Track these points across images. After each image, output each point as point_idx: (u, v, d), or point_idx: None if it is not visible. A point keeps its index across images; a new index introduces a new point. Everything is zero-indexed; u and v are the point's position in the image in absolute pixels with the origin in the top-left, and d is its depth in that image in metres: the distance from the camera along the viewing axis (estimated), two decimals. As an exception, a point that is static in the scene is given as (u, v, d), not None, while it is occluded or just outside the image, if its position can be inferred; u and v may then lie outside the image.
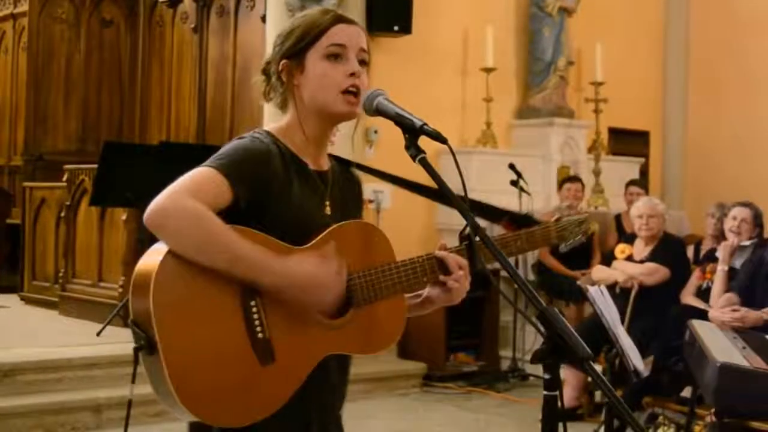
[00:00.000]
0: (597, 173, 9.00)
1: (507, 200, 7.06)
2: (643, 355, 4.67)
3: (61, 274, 7.98)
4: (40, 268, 8.53)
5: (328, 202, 2.15)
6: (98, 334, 6.51)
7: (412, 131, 2.01)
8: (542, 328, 1.82)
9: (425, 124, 1.99)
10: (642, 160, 9.91)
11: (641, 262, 6.29)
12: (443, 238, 2.29)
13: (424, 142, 2.01)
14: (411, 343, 7.21)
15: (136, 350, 1.95)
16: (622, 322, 4.93)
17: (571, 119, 9.05)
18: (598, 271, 6.53)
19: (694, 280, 6.19)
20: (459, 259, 2.14)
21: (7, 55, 10.62)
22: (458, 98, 8.65)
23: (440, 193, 1.98)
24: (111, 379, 5.89)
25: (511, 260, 1.98)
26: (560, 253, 7.53)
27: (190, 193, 1.93)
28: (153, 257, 1.94)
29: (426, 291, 2.21)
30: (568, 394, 6.13)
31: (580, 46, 9.30)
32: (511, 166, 7.46)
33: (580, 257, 7.43)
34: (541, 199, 7.96)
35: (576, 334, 1.81)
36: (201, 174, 1.99)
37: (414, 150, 2.00)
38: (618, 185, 8.47)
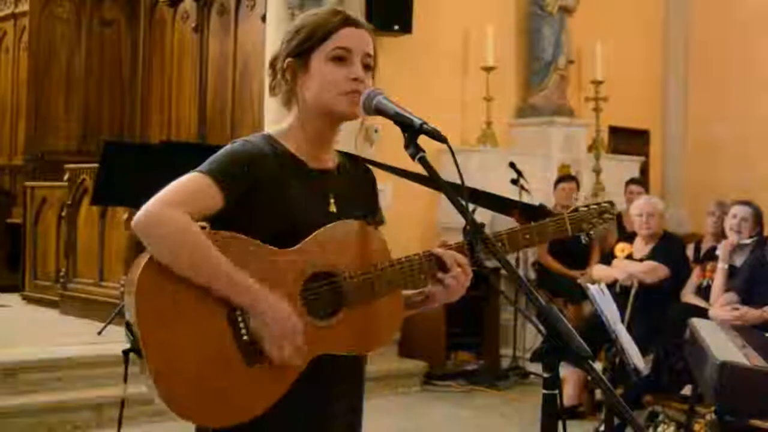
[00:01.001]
0: (597, 172, 9.00)
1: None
2: (643, 353, 4.67)
3: (62, 274, 7.99)
4: (41, 267, 8.53)
5: (332, 200, 2.14)
6: (99, 333, 6.52)
7: (411, 130, 2.01)
8: (542, 327, 1.82)
9: (425, 122, 2.00)
10: (642, 158, 9.91)
11: (641, 260, 6.30)
12: (444, 237, 2.28)
13: (423, 141, 2.01)
14: (411, 342, 7.21)
15: (126, 352, 1.97)
16: (622, 320, 4.93)
17: (571, 118, 9.05)
18: (598, 269, 6.53)
19: (695, 278, 6.19)
20: (457, 256, 2.13)
21: (8, 54, 10.62)
22: (458, 97, 8.65)
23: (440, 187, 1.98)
24: (112, 378, 5.88)
25: (511, 259, 1.99)
26: (559, 252, 7.54)
27: (178, 202, 1.95)
28: (141, 261, 1.96)
29: (428, 288, 2.19)
30: (568, 393, 6.13)
31: (580, 44, 9.30)
32: (512, 165, 7.46)
33: (580, 256, 7.43)
34: (542, 198, 7.95)
35: (576, 332, 1.81)
36: (190, 180, 2.00)
37: (413, 149, 2.00)
38: (618, 184, 8.47)
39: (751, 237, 5.88)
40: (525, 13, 9.13)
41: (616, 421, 4.66)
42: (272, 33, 7.44)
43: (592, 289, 4.42)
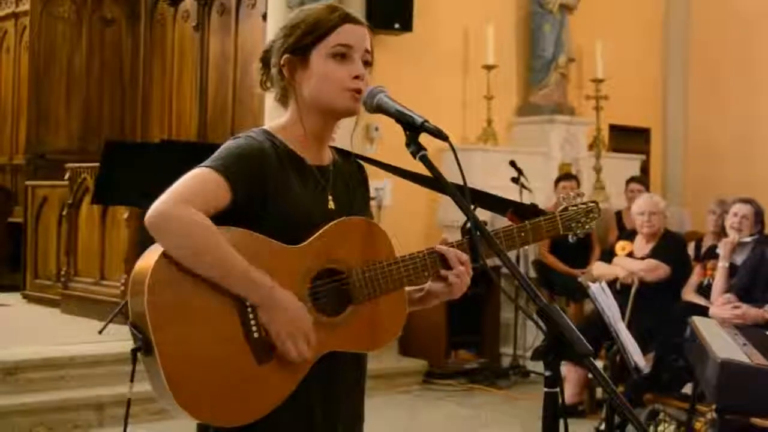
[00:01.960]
0: (598, 170, 9.00)
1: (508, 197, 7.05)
2: (644, 351, 4.67)
3: (63, 273, 7.99)
4: (42, 266, 8.54)
5: (331, 197, 2.14)
6: (100, 332, 6.52)
7: (412, 128, 2.01)
8: (543, 325, 1.82)
9: (426, 121, 2.00)
10: (643, 157, 9.91)
11: (642, 259, 6.29)
12: (445, 235, 2.28)
13: (425, 139, 2.01)
14: (412, 341, 7.22)
15: (134, 351, 1.96)
16: (623, 318, 4.93)
17: (571, 116, 9.05)
18: (599, 267, 6.53)
19: (695, 276, 6.19)
20: (459, 253, 2.14)
21: (9, 53, 10.63)
22: (459, 96, 8.65)
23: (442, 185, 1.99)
24: (113, 377, 5.89)
25: (512, 257, 1.99)
26: (560, 251, 7.54)
27: (189, 198, 1.94)
28: (149, 258, 1.95)
29: (427, 285, 2.20)
30: (569, 391, 6.14)
31: (581, 43, 9.29)
32: (512, 164, 7.46)
33: (580, 255, 7.44)
34: (542, 197, 7.95)
35: (577, 330, 1.82)
36: (199, 176, 1.99)
37: (415, 147, 2.00)
38: (619, 182, 8.47)
39: (751, 235, 5.88)
40: (526, 12, 9.13)
41: (617, 419, 4.66)
42: (273, 31, 7.43)
43: (593, 287, 4.42)
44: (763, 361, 4.06)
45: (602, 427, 5.32)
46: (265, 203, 2.03)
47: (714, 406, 4.33)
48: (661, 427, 5.11)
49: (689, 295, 6.11)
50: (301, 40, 2.10)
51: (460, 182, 2.00)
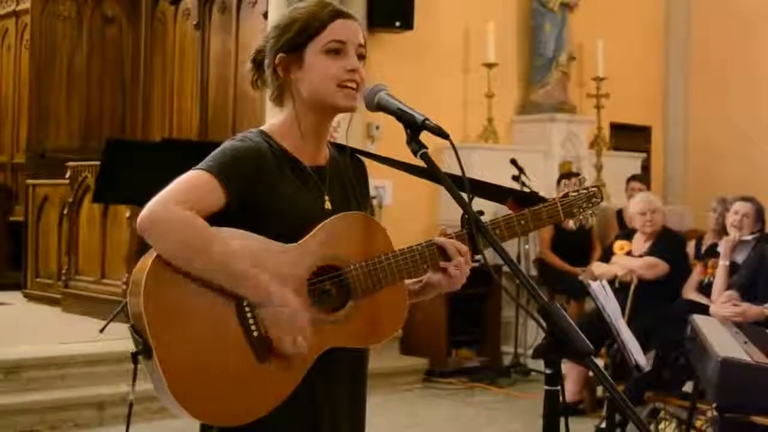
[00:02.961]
0: (598, 168, 9.00)
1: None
2: (644, 349, 4.67)
3: (64, 271, 8.00)
4: (43, 265, 8.54)
5: (327, 197, 2.14)
6: (101, 330, 6.52)
7: (413, 126, 2.01)
8: (544, 323, 1.82)
9: (427, 119, 2.00)
10: (644, 155, 9.91)
11: (640, 257, 6.29)
12: (444, 227, 2.27)
13: (425, 137, 2.01)
14: (413, 339, 7.22)
15: (134, 355, 1.96)
16: (622, 316, 4.93)
17: (572, 115, 9.05)
18: (597, 266, 6.53)
19: (696, 275, 6.19)
20: (459, 245, 2.14)
21: (10, 52, 10.62)
22: (460, 94, 8.65)
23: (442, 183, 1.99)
24: (114, 376, 5.90)
25: (513, 255, 1.99)
26: (561, 249, 7.54)
27: (180, 199, 1.95)
28: (147, 260, 1.95)
29: (426, 276, 2.19)
30: (570, 389, 6.14)
31: (582, 41, 9.29)
32: (513, 162, 7.46)
33: (581, 253, 7.44)
34: (543, 195, 7.96)
35: (577, 329, 1.82)
36: (192, 178, 2.00)
37: (415, 145, 2.01)
38: (620, 180, 8.47)
39: (752, 233, 5.87)
40: (526, 10, 9.13)
41: (618, 417, 4.66)
42: (273, 30, 7.44)
43: (594, 285, 4.42)
44: (763, 360, 4.06)
45: (603, 425, 5.32)
46: (261, 204, 2.03)
47: (714, 405, 4.33)
48: (661, 426, 5.11)
49: (690, 293, 6.10)
50: (295, 39, 2.10)
51: (461, 180, 1.99)
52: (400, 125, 2.04)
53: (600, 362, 5.45)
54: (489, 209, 2.24)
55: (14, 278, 9.13)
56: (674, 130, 10.44)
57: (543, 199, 2.30)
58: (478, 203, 1.99)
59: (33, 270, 8.65)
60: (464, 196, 1.98)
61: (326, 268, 2.06)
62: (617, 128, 9.85)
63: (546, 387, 1.86)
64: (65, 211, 8.05)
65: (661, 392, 5.46)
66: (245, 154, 2.04)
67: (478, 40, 8.60)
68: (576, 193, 2.32)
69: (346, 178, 2.22)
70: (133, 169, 6.34)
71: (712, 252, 6.10)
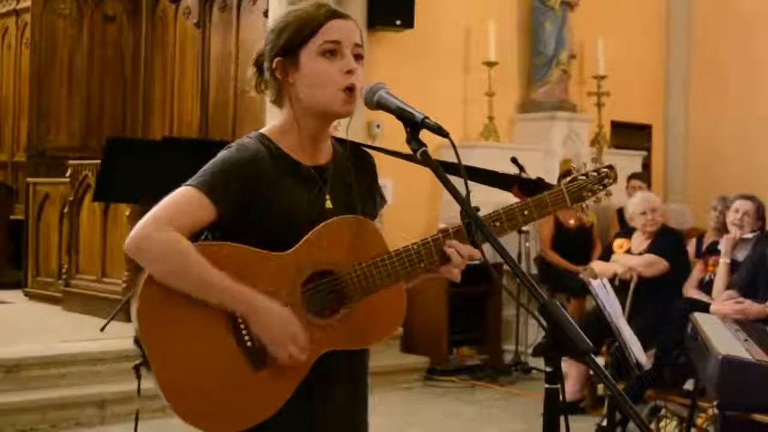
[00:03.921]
0: (599, 167, 8.99)
1: (508, 194, 7.05)
2: (644, 348, 4.67)
3: (64, 270, 7.99)
4: (44, 263, 8.54)
5: (328, 197, 2.13)
6: (102, 329, 6.52)
7: (413, 125, 2.00)
8: (544, 322, 1.82)
9: (426, 117, 1.99)
10: (644, 153, 9.91)
11: (640, 255, 6.29)
12: (443, 224, 2.23)
13: (426, 136, 2.01)
14: (414, 338, 7.22)
15: (137, 367, 2.00)
16: (623, 314, 4.93)
17: (573, 113, 9.05)
18: (597, 264, 6.52)
19: (697, 273, 6.18)
20: (453, 242, 2.09)
21: (10, 50, 10.64)
22: (460, 92, 8.65)
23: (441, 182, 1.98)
24: (115, 375, 5.90)
25: (514, 254, 1.99)
26: (562, 247, 7.54)
27: (167, 219, 1.97)
28: (141, 280, 1.99)
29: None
30: (570, 388, 6.13)
31: (583, 39, 9.29)
32: (514, 160, 7.45)
33: (582, 251, 7.43)
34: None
35: (578, 327, 1.81)
36: (181, 196, 2.01)
37: (415, 144, 2.00)
38: (620, 179, 8.41)
39: (753, 232, 5.87)
40: (527, 8, 9.13)
41: (619, 415, 4.66)
42: (274, 29, 7.44)
43: (594, 283, 4.42)
44: (764, 357, 4.06)
45: (604, 423, 5.32)
46: (261, 207, 2.03)
47: (715, 402, 4.33)
48: (662, 423, 5.11)
49: (691, 291, 6.10)
50: (290, 42, 2.09)
51: (461, 180, 1.99)
52: (401, 124, 2.04)
53: (600, 360, 5.45)
54: (491, 204, 2.22)
55: (15, 277, 9.14)
56: (675, 129, 10.45)
57: (549, 186, 2.22)
58: (477, 199, 1.97)
59: (33, 269, 8.65)
60: (463, 192, 1.95)
61: (320, 274, 2.05)
62: (618, 126, 9.86)
63: (546, 385, 1.86)
64: (66, 210, 8.05)
65: (662, 390, 5.46)
66: (239, 163, 2.04)
67: (478, 39, 8.60)
68: (585, 177, 2.19)
69: (350, 175, 2.19)
70: (134, 167, 6.35)
71: (713, 250, 6.09)
